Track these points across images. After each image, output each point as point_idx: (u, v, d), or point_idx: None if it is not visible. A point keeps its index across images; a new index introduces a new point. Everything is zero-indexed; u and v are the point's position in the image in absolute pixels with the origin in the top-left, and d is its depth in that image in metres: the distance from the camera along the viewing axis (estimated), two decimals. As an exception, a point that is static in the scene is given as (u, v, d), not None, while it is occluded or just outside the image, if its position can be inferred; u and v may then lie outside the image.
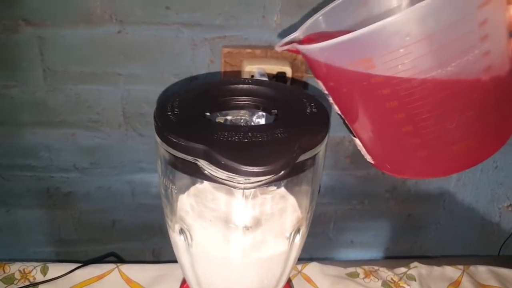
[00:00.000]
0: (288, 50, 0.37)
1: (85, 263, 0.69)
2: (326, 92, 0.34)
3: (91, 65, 0.77)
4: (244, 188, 0.33)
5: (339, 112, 0.35)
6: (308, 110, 0.38)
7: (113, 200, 0.93)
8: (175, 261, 0.71)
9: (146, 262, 0.72)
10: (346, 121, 0.36)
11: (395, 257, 1.04)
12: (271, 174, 0.30)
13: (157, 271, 0.69)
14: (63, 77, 0.78)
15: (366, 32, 0.27)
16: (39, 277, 0.66)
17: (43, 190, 0.90)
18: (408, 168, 0.35)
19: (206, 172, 0.32)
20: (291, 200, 0.41)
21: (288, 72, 0.73)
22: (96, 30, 0.74)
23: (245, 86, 0.42)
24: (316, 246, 1.04)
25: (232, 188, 0.33)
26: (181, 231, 0.40)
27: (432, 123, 0.30)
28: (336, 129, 0.92)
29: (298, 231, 0.40)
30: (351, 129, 0.36)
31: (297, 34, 0.39)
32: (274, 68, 0.72)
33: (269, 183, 0.33)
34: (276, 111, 0.41)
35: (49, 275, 0.66)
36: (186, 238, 0.39)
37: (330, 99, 0.35)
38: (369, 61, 0.29)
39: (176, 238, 0.41)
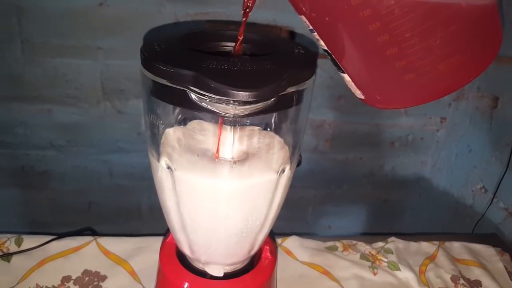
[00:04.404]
0: None
1: (61, 235, 0.68)
2: (310, 27, 0.35)
3: (70, 38, 0.76)
4: (234, 116, 0.33)
5: (325, 47, 0.35)
6: (296, 51, 0.39)
7: (90, 180, 0.91)
8: (154, 234, 0.71)
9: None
10: (333, 56, 0.36)
11: (373, 233, 1.06)
12: (260, 98, 0.31)
13: (136, 243, 0.68)
14: (42, 49, 0.76)
15: None
16: (13, 248, 0.64)
17: (18, 169, 0.88)
18: (397, 96, 0.35)
19: (195, 100, 0.32)
20: (278, 137, 0.41)
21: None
22: (77, 2, 0.73)
23: (231, 32, 0.42)
24: (294, 231, 1.04)
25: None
26: (168, 169, 0.39)
27: (416, 41, 0.30)
28: (316, 112, 0.94)
29: (283, 171, 0.41)
30: (339, 63, 0.36)
31: None
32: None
33: (258, 113, 0.33)
34: (263, 55, 0.41)
35: (24, 247, 0.65)
36: (172, 175, 0.39)
37: (316, 35, 0.35)
38: None
39: (162, 177, 0.40)
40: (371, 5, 0.29)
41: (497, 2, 0.32)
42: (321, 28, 0.34)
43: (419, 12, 0.29)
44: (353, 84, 0.36)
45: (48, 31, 0.75)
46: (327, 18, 0.32)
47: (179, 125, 0.41)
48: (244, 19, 0.40)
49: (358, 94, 0.37)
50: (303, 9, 0.33)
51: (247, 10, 0.39)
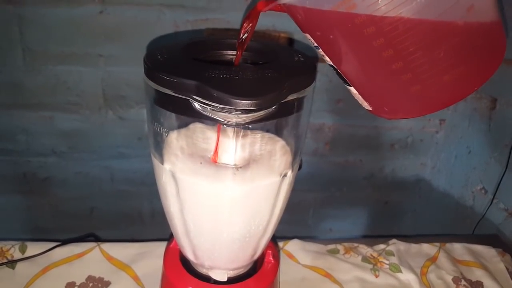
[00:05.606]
0: (271, 9, 0.38)
1: (65, 241, 0.68)
2: (315, 44, 0.35)
3: (71, 45, 0.76)
4: (236, 124, 0.34)
5: (330, 62, 0.36)
6: (295, 59, 0.40)
7: (91, 186, 0.92)
8: (156, 239, 0.71)
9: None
10: (339, 71, 0.36)
11: (374, 236, 1.06)
12: (262, 106, 0.31)
13: (139, 249, 0.68)
14: (43, 57, 0.77)
15: None
16: (17, 255, 0.64)
17: (20, 176, 0.89)
18: (405, 107, 0.36)
19: (198, 109, 0.32)
20: (280, 143, 0.42)
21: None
22: (77, 10, 0.73)
23: (231, 40, 0.43)
24: (295, 234, 1.05)
25: (224, 126, 0.34)
26: (171, 176, 0.40)
27: (421, 55, 0.31)
28: (316, 116, 0.94)
29: (285, 175, 0.41)
30: (345, 77, 0.36)
31: None
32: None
33: (260, 121, 0.33)
34: (263, 63, 0.42)
35: (28, 253, 0.65)
36: (176, 182, 0.39)
37: (321, 51, 0.35)
38: (349, 1, 0.30)
39: (165, 183, 0.41)
40: (375, 22, 0.30)
41: (499, 16, 0.32)
42: (326, 45, 0.34)
43: (422, 28, 0.30)
44: (360, 96, 0.36)
45: (49, 39, 0.75)
46: (331, 36, 0.33)
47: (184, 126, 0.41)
48: (238, 53, 0.40)
49: (366, 105, 0.37)
50: (308, 27, 0.34)
51: (245, 36, 0.38)
